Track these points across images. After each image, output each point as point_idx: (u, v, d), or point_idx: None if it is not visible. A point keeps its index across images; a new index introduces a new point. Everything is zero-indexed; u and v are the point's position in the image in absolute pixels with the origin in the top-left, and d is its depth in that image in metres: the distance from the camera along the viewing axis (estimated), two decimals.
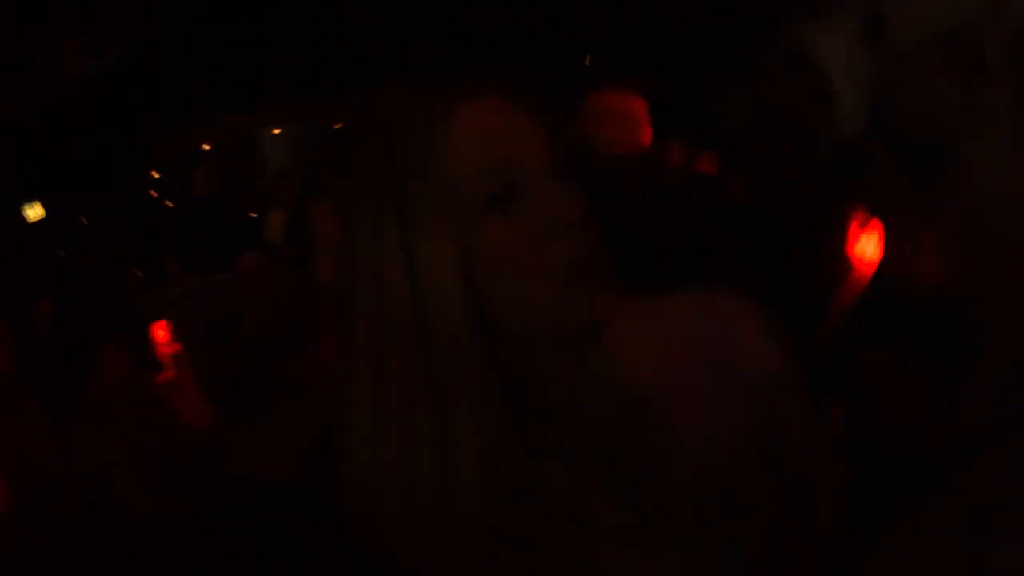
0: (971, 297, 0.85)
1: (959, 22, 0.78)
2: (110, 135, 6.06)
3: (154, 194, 7.46)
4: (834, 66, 0.93)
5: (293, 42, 6.02)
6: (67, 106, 5.63)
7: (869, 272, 2.29)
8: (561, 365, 0.85)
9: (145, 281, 5.01)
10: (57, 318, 3.11)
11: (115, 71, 5.64)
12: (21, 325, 3.19)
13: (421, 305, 0.79)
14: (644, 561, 0.83)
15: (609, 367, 0.87)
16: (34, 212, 5.60)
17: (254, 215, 6.30)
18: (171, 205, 7.03)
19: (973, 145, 0.73)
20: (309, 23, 5.97)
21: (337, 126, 7.55)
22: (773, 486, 0.89)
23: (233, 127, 7.92)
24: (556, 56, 5.16)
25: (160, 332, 2.46)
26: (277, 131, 8.56)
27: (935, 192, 0.82)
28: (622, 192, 2.20)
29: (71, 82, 5.51)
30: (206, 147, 7.77)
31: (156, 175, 7.56)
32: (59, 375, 2.51)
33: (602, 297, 0.81)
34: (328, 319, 1.21)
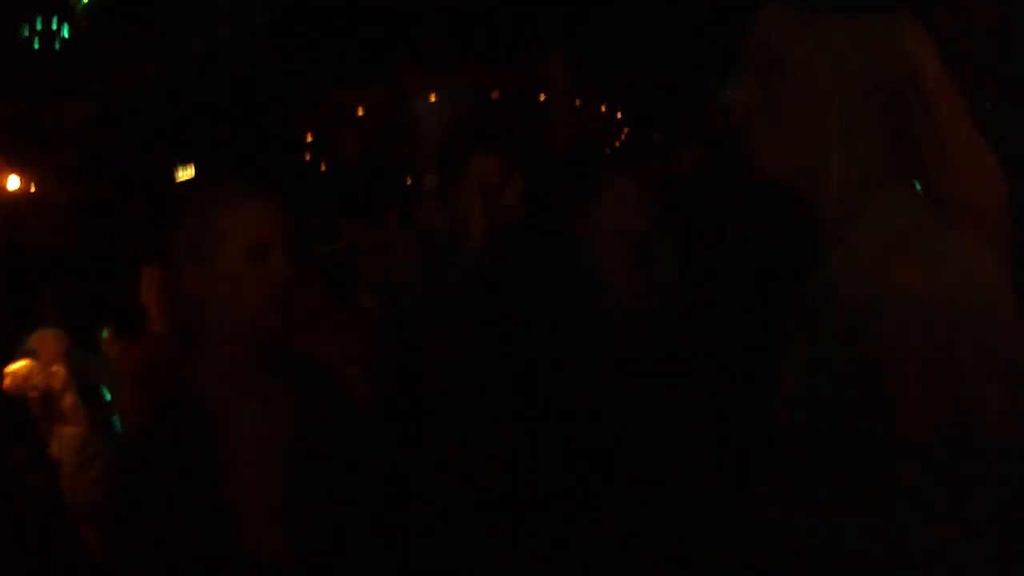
0: None
1: None
2: (264, 98, 6.10)
3: (307, 157, 7.50)
4: None
5: (445, 8, 5.81)
6: (222, 69, 5.69)
7: None
8: None
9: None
10: None
11: (269, 34, 5.64)
12: None
13: None
14: None
15: None
16: (185, 173, 5.71)
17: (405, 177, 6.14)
18: (323, 168, 7.01)
19: None
20: None
21: (493, 94, 7.33)
22: None
23: (385, 92, 7.83)
24: None
25: None
26: (432, 98, 8.40)
27: None
28: None
29: (225, 44, 5.56)
30: (360, 112, 7.72)
31: (309, 139, 7.58)
32: None
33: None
34: None
